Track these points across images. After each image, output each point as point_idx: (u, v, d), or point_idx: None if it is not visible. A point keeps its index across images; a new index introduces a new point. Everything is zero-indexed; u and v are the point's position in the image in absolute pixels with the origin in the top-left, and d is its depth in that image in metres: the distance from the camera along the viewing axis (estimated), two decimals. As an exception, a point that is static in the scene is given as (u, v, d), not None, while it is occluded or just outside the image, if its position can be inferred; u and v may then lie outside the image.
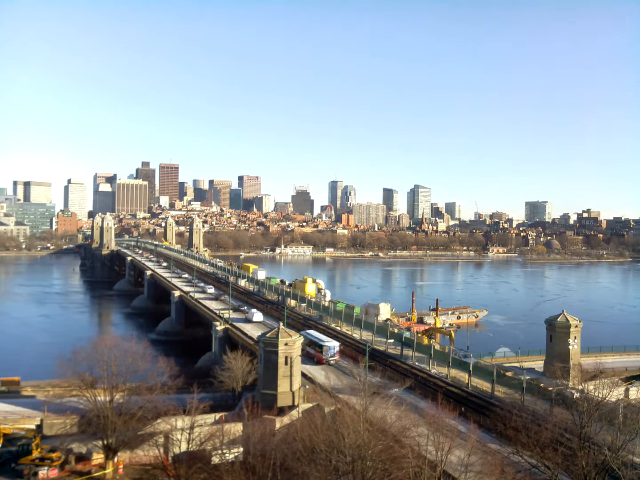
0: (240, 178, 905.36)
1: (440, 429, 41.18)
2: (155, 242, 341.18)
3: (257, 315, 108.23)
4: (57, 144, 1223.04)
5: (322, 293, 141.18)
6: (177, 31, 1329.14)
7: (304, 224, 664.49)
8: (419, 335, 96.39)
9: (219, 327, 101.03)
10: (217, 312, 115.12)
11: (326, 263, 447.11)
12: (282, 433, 52.89)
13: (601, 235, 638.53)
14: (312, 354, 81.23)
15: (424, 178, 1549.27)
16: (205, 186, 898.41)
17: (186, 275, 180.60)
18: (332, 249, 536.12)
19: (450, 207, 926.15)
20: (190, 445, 53.62)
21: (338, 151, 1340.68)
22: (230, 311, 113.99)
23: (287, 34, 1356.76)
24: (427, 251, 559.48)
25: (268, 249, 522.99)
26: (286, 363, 64.29)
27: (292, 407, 61.75)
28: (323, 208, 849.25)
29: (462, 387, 67.49)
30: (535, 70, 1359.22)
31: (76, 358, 58.39)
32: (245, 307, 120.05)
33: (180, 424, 57.05)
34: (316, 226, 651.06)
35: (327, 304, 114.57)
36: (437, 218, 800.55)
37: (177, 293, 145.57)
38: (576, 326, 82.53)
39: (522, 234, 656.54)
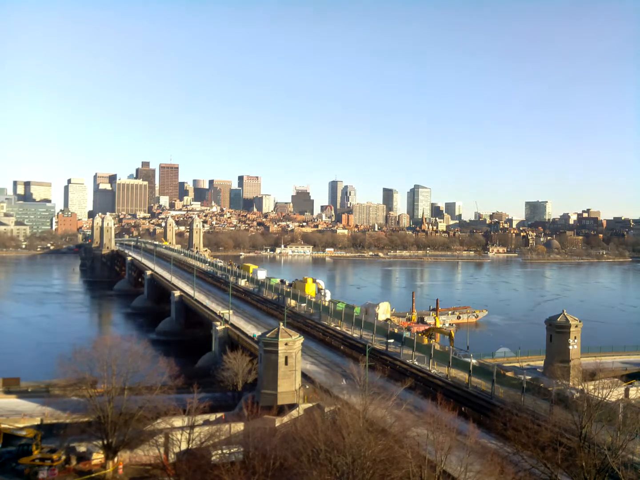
0: (240, 178, 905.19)
1: (440, 428, 41.18)
2: (155, 242, 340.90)
3: None
4: (57, 144, 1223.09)
5: (322, 293, 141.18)
6: (177, 31, 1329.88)
7: (304, 224, 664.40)
8: (419, 335, 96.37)
9: (219, 327, 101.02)
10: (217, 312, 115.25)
11: (326, 263, 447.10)
12: (282, 433, 52.86)
13: (601, 235, 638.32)
14: None
15: (424, 178, 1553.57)
16: (205, 186, 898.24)
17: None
18: (332, 249, 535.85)
19: (450, 207, 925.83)
20: (190, 445, 53.67)
21: (338, 151, 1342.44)
22: (230, 311, 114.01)
23: (288, 34, 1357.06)
24: (427, 251, 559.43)
25: (268, 249, 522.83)
26: (286, 363, 64.34)
27: (292, 406, 61.75)
28: (323, 208, 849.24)
29: (462, 387, 67.46)
30: (535, 70, 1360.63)
31: (76, 358, 58.39)
32: None
33: (180, 424, 57.08)
34: (316, 226, 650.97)
35: (327, 304, 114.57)
36: (437, 218, 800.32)
37: (177, 293, 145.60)
38: (576, 326, 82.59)
39: (522, 234, 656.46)
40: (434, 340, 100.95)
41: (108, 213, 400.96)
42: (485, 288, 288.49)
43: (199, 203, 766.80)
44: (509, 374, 71.49)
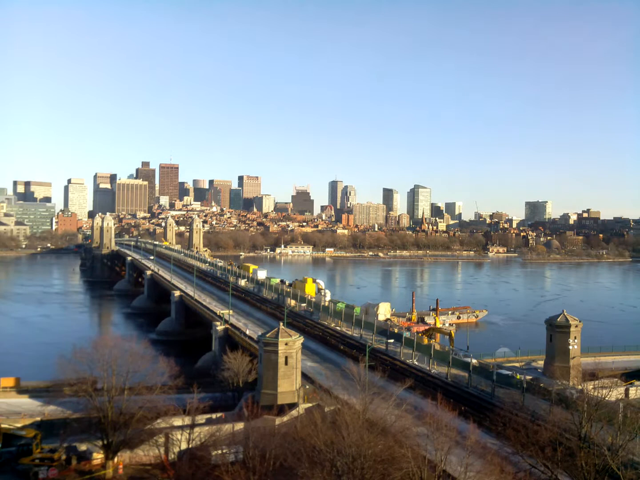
0: (240, 178, 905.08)
1: (440, 428, 41.18)
2: (155, 242, 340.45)
3: None
4: (57, 144, 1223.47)
5: (322, 293, 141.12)
6: (177, 31, 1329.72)
7: (304, 224, 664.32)
8: (419, 335, 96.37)
9: (219, 327, 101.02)
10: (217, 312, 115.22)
11: (326, 263, 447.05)
12: (282, 433, 52.86)
13: (601, 235, 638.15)
14: None
15: (424, 178, 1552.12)
16: (205, 186, 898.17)
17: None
18: (332, 249, 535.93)
19: (450, 207, 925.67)
20: (190, 445, 53.74)
21: (338, 151, 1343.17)
22: (231, 311, 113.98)
23: (287, 33, 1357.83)
24: (427, 251, 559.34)
25: (268, 249, 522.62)
26: (286, 363, 64.33)
27: (292, 406, 61.75)
28: (323, 208, 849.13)
29: (462, 387, 67.48)
30: (535, 69, 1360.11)
31: (76, 358, 58.39)
32: None
33: (180, 424, 57.10)
34: (316, 226, 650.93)
35: (327, 303, 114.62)
36: (437, 218, 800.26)
37: (177, 293, 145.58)
38: (576, 326, 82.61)
39: (522, 234, 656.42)
40: (434, 340, 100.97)
41: (108, 213, 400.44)
42: (485, 288, 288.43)
43: (199, 203, 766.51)
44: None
